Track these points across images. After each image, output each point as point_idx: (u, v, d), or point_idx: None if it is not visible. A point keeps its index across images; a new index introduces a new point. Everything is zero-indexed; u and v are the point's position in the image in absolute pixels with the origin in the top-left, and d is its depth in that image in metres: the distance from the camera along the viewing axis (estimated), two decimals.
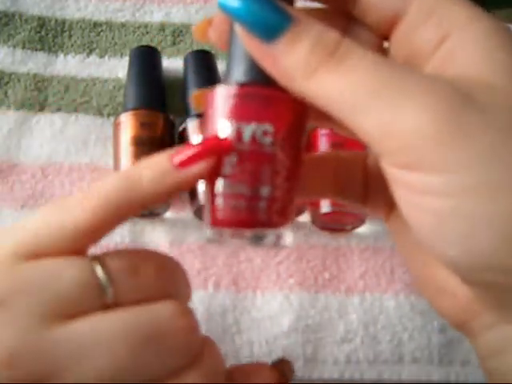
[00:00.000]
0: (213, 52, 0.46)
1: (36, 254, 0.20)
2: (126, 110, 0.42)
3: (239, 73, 0.21)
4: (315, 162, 0.25)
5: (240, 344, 0.37)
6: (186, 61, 0.46)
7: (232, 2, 0.18)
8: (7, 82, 0.47)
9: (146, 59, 0.45)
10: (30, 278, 0.19)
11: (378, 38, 0.22)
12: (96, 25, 0.50)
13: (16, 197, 0.42)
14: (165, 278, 0.22)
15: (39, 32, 0.49)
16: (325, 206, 0.39)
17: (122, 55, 0.49)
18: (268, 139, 0.20)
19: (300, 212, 0.41)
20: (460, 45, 0.19)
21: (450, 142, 0.17)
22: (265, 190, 0.20)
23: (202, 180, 0.21)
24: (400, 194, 0.19)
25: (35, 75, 0.47)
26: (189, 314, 0.21)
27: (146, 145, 0.40)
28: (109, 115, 0.46)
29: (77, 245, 0.20)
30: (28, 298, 0.19)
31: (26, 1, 0.51)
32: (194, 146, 0.21)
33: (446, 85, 0.17)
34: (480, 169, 0.16)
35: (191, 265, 0.40)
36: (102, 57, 0.49)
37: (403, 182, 0.18)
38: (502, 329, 0.21)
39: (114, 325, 0.19)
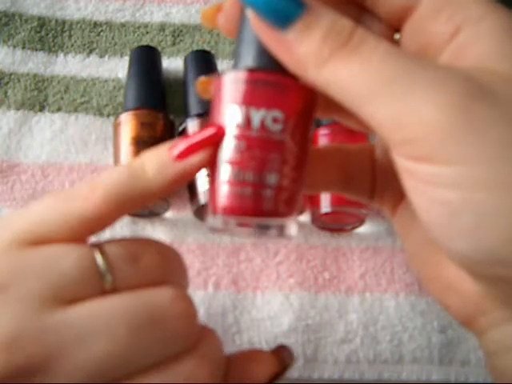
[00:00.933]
0: (213, 52, 0.46)
1: (36, 241, 0.20)
2: (126, 109, 0.42)
3: (249, 58, 0.20)
4: (320, 154, 0.25)
5: (240, 344, 0.37)
6: (186, 61, 0.46)
7: None
8: (7, 82, 0.47)
9: (146, 59, 0.45)
10: (30, 263, 0.19)
11: (389, 30, 0.22)
12: (96, 25, 0.50)
13: (16, 197, 0.42)
14: (163, 265, 0.22)
15: (39, 32, 0.49)
16: (325, 206, 0.39)
17: (121, 55, 0.49)
18: (278, 126, 0.20)
19: (300, 212, 0.41)
20: (474, 37, 0.19)
21: (463, 135, 0.16)
22: (272, 178, 0.20)
23: (206, 168, 0.21)
24: (410, 185, 0.19)
25: (35, 75, 0.47)
26: (187, 299, 0.22)
27: (146, 145, 0.40)
28: (109, 115, 0.46)
29: (78, 234, 0.20)
30: (28, 282, 0.19)
31: (26, 1, 0.51)
32: (190, 136, 0.21)
33: (459, 76, 0.17)
34: (491, 162, 0.16)
35: (191, 265, 0.40)
36: (101, 57, 0.49)
37: (414, 173, 0.18)
38: (511, 326, 0.21)
39: (113, 309, 0.19)
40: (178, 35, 0.50)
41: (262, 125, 0.20)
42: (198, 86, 0.23)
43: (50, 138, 0.44)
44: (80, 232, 0.20)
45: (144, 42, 0.49)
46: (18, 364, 0.18)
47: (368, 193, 0.25)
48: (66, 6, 0.51)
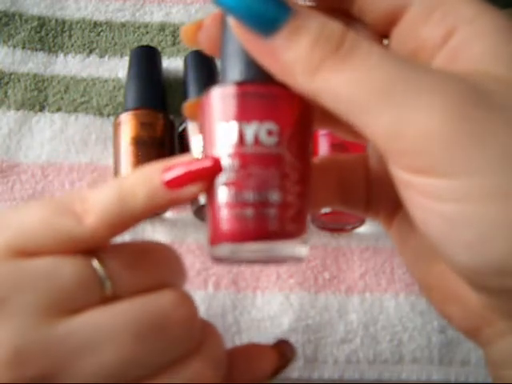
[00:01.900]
0: None
1: (23, 252, 0.19)
2: (126, 109, 0.42)
3: (235, 72, 0.19)
4: (318, 170, 0.23)
5: (240, 344, 0.37)
6: (186, 61, 0.46)
7: None
8: (7, 82, 0.47)
9: (146, 59, 0.45)
10: (26, 274, 0.19)
11: (378, 36, 0.21)
12: (96, 25, 0.50)
13: (16, 197, 0.42)
14: (161, 268, 0.22)
15: (39, 32, 0.49)
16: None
17: (121, 55, 0.49)
18: (273, 139, 0.19)
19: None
20: (468, 39, 0.18)
21: (464, 146, 0.16)
22: (273, 196, 0.18)
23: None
24: (408, 197, 0.18)
25: (35, 75, 0.47)
26: (188, 300, 0.21)
27: (146, 145, 0.40)
28: (109, 115, 0.46)
29: (65, 250, 0.20)
30: (26, 295, 0.19)
31: (26, 1, 0.51)
32: (184, 164, 0.20)
33: (457, 82, 0.17)
34: (492, 174, 0.16)
35: (191, 265, 0.40)
36: (102, 57, 0.49)
37: (413, 186, 0.17)
38: None
39: (116, 316, 0.19)
40: (178, 35, 0.50)
41: (256, 139, 0.18)
42: (187, 109, 0.22)
43: (49, 137, 0.44)
44: (68, 249, 0.20)
45: (144, 42, 0.49)
46: (26, 378, 0.18)
47: (363, 205, 0.24)
48: (66, 5, 0.51)
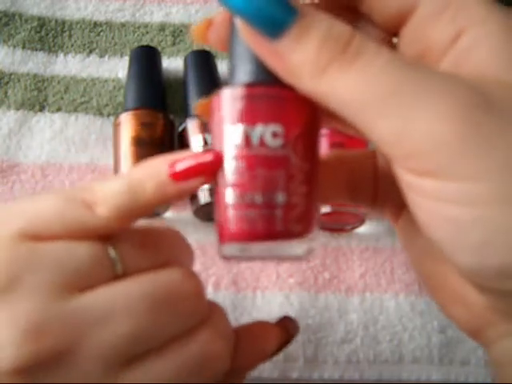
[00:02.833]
0: (213, 52, 0.46)
1: (42, 237, 0.20)
2: (126, 109, 0.42)
3: (243, 73, 0.19)
4: (327, 166, 0.23)
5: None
6: (186, 61, 0.46)
7: None
8: (7, 82, 0.47)
9: (146, 59, 0.45)
10: (41, 254, 0.20)
11: (387, 35, 0.21)
12: (96, 25, 0.50)
13: (16, 197, 0.42)
14: (170, 248, 0.23)
15: (39, 32, 0.49)
16: (325, 206, 0.39)
17: (121, 55, 0.49)
18: (278, 141, 0.19)
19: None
20: (477, 41, 0.18)
21: (471, 149, 0.16)
22: (279, 197, 0.19)
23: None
24: (413, 200, 0.18)
25: (35, 75, 0.47)
26: (195, 277, 0.23)
27: (146, 145, 0.40)
28: (109, 115, 0.46)
29: (82, 238, 0.21)
30: (40, 273, 0.19)
31: (26, 1, 0.51)
32: (189, 158, 0.21)
33: (464, 86, 0.16)
34: (498, 177, 0.16)
35: None
36: (102, 57, 0.49)
37: (418, 188, 0.17)
38: None
39: (129, 290, 0.20)
40: (178, 35, 0.50)
41: (262, 141, 0.19)
42: (198, 108, 0.23)
43: (49, 137, 0.44)
44: (79, 237, 0.21)
45: (144, 42, 0.49)
46: (46, 350, 0.18)
47: (370, 200, 0.24)
48: (66, 5, 0.51)
